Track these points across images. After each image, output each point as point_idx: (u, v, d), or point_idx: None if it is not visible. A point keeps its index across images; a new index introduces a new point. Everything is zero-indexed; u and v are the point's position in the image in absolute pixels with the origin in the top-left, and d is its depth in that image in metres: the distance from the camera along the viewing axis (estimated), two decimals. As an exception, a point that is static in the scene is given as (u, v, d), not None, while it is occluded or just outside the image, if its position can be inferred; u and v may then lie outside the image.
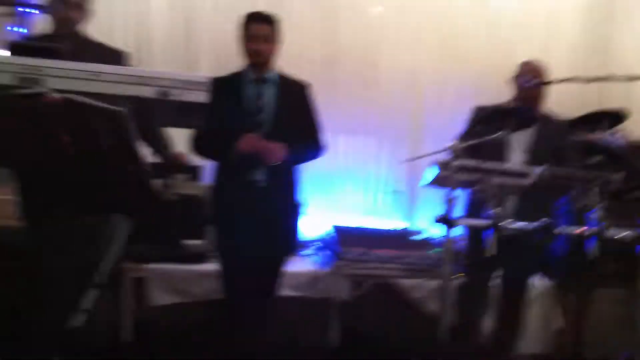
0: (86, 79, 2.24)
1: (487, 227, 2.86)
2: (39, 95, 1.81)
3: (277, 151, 3.03)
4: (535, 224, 2.86)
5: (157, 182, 2.45)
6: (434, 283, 3.92)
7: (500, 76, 3.73)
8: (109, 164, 1.93)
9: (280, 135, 3.09)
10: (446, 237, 2.85)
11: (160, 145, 2.98)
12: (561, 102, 4.35)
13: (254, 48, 3.09)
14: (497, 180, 2.90)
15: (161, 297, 3.70)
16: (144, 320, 3.73)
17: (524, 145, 3.48)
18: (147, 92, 2.25)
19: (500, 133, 2.92)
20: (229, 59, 4.07)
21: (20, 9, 3.81)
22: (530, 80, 3.38)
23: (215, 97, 3.04)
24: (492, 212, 2.84)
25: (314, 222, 4.42)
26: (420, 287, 3.98)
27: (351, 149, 4.71)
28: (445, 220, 2.82)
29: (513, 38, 4.78)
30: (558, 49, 4.85)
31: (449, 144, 2.88)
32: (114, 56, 3.01)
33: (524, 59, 3.66)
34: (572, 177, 2.96)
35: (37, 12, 3.67)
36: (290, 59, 4.39)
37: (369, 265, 3.95)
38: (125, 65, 3.01)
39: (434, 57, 4.73)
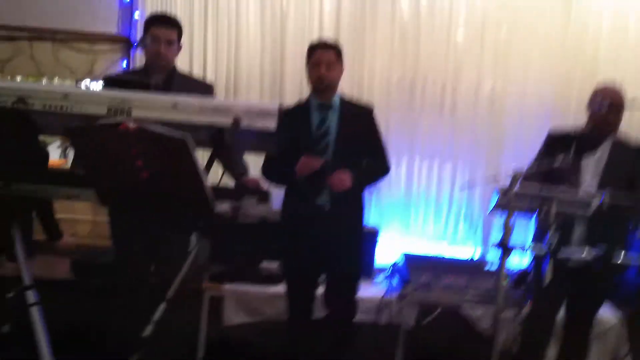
0: (166, 109, 2.47)
1: (544, 255, 2.91)
2: (117, 124, 2.05)
3: (343, 179, 3.18)
4: (593, 252, 2.88)
5: (226, 205, 2.66)
6: (504, 314, 3.95)
7: (582, 96, 3.74)
8: (175, 187, 2.14)
9: (345, 158, 3.24)
10: (501, 263, 2.92)
11: (237, 170, 3.20)
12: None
13: (319, 74, 3.27)
14: (557, 207, 2.95)
15: (235, 316, 3.91)
16: (217, 338, 3.94)
17: (595, 170, 3.45)
18: (221, 120, 2.46)
19: (560, 160, 2.95)
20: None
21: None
22: (602, 106, 3.37)
23: (282, 125, 3.26)
24: (549, 239, 2.89)
25: (389, 249, 4.55)
26: (489, 317, 4.00)
27: (429, 173, 4.79)
28: (502, 246, 2.90)
29: (598, 56, 4.73)
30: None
31: (512, 171, 2.95)
32: (200, 88, 3.30)
33: (607, 79, 3.66)
34: (635, 204, 2.97)
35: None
36: (371, 83, 4.66)
37: (437, 292, 4.01)
38: (211, 96, 3.32)
39: (514, 80, 4.75)
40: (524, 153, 3.79)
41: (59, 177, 2.55)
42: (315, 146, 3.26)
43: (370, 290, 4.07)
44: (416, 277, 4.05)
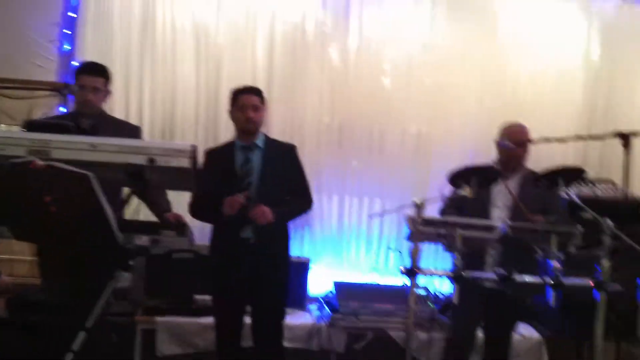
0: (85, 150, 2.63)
1: (449, 278, 3.12)
2: (27, 163, 2.21)
3: (265, 212, 3.34)
4: (491, 274, 3.10)
5: (145, 239, 2.82)
6: (425, 335, 4.14)
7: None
8: (82, 221, 2.30)
9: (269, 195, 3.42)
10: (411, 287, 3.12)
11: (160, 207, 3.36)
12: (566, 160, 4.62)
13: (247, 116, 3.46)
14: (463, 233, 3.17)
15: (168, 348, 4.01)
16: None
17: (504, 201, 3.73)
18: (137, 159, 2.62)
19: (461, 191, 3.18)
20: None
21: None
22: (507, 143, 3.67)
23: (207, 165, 3.47)
24: (455, 264, 3.10)
25: (323, 280, 4.73)
26: (417, 339, 4.18)
27: (360, 210, 4.99)
28: (409, 271, 3.10)
29: (518, 98, 5.04)
30: (566, 109, 5.10)
31: (416, 200, 3.17)
32: (127, 129, 3.49)
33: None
34: (535, 230, 3.20)
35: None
36: (303, 125, 4.87)
37: (365, 318, 4.20)
38: (137, 137, 3.49)
39: (439, 121, 5.02)
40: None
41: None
42: (240, 184, 3.43)
43: (302, 319, 4.24)
44: (345, 304, 4.25)
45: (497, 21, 5.07)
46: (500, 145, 3.80)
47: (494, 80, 5.05)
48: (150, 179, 2.77)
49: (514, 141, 3.72)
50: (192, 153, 2.72)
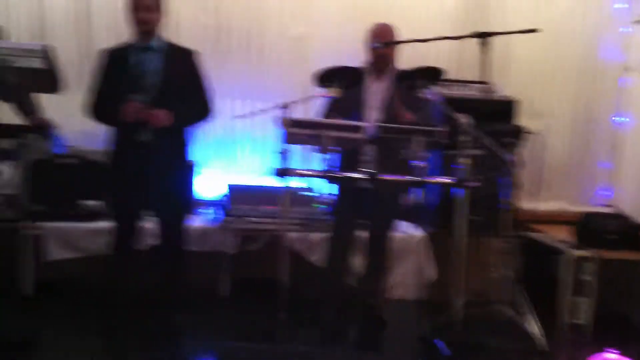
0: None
1: (319, 177, 3.21)
2: None
3: (162, 116, 3.33)
4: (358, 173, 3.19)
5: (12, 142, 2.79)
6: (316, 235, 4.29)
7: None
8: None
9: (167, 100, 3.39)
10: (284, 187, 3.20)
11: (25, 109, 3.28)
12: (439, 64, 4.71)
13: (140, 17, 3.38)
14: (332, 134, 3.24)
15: (57, 253, 4.05)
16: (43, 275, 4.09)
17: (376, 102, 3.77)
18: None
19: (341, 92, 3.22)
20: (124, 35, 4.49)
21: None
22: (376, 43, 3.70)
23: (103, 66, 3.41)
24: (326, 164, 3.19)
25: (214, 183, 4.76)
26: (304, 239, 4.32)
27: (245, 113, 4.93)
28: (280, 172, 3.18)
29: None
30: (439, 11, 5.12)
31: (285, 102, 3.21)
32: None
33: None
34: (401, 131, 3.29)
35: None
36: (182, 28, 4.75)
37: (256, 220, 4.29)
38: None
39: (318, 24, 4.99)
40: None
41: None
42: (136, 85, 3.38)
43: (193, 221, 4.28)
44: (237, 207, 4.32)
45: None
46: (369, 46, 3.82)
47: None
48: (5, 80, 2.72)
49: (380, 41, 3.72)
50: (44, 53, 2.67)
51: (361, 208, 3.84)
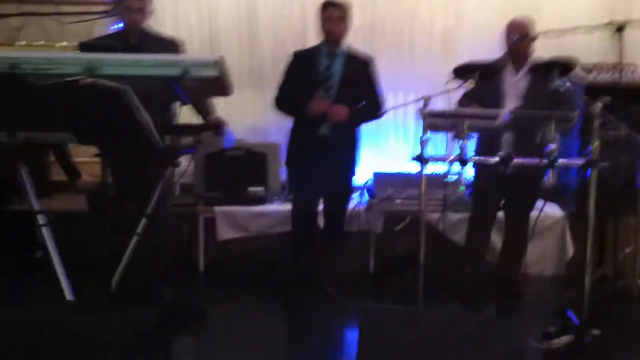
0: (130, 66, 3.12)
1: (454, 161, 3.48)
2: (77, 80, 2.73)
3: (341, 111, 3.85)
4: (495, 157, 3.42)
5: (189, 139, 3.35)
6: (457, 216, 4.55)
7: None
8: (125, 126, 2.83)
9: (346, 99, 3.91)
10: (421, 173, 3.51)
11: (203, 111, 3.83)
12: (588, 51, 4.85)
13: (328, 28, 3.92)
14: (469, 122, 3.50)
15: (227, 233, 4.64)
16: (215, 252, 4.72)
17: (515, 92, 3.99)
18: (172, 72, 3.10)
19: (462, 84, 3.48)
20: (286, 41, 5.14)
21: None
22: (513, 37, 3.90)
23: (294, 65, 4.03)
24: (461, 149, 3.45)
25: (364, 170, 5.16)
26: (446, 220, 4.60)
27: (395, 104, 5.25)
28: (420, 158, 3.49)
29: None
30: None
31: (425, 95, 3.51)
32: (170, 46, 3.92)
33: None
34: (535, 116, 3.48)
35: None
36: None
37: (399, 202, 4.64)
38: (178, 51, 3.95)
39: (466, 16, 5.21)
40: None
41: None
42: (321, 86, 3.93)
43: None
44: (382, 190, 4.70)
45: None
46: (506, 41, 4.02)
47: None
48: (186, 87, 3.25)
49: (521, 34, 3.91)
50: (220, 64, 3.17)
51: (501, 189, 4.07)
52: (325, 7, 3.96)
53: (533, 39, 3.94)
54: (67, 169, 4.58)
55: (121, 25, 3.92)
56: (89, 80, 2.73)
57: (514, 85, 3.97)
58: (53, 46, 4.72)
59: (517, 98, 3.98)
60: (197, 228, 4.63)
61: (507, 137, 3.85)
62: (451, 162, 3.47)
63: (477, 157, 3.54)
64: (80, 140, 3.16)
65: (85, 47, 3.29)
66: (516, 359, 2.64)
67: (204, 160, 4.69)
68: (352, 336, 3.43)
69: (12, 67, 3.04)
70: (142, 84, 3.04)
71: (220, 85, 3.33)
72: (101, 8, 5.04)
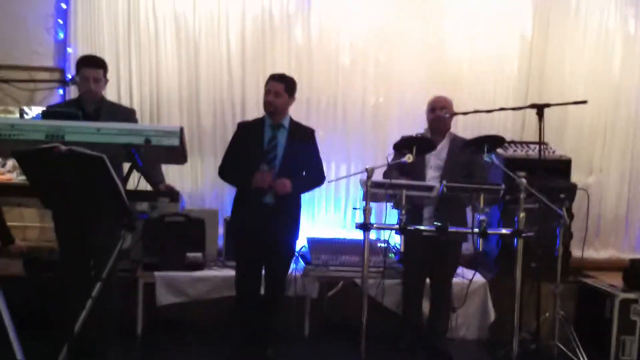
0: (92, 133, 3.22)
1: (395, 230, 3.78)
2: (52, 147, 2.82)
3: (285, 185, 4.00)
4: (430, 226, 3.76)
5: (145, 204, 3.45)
6: (389, 281, 4.80)
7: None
8: (99, 193, 2.93)
9: (289, 169, 4.09)
10: (364, 240, 3.77)
11: (155, 178, 3.94)
12: (505, 128, 5.40)
13: (265, 99, 4.10)
14: (407, 193, 3.82)
15: (166, 298, 4.69)
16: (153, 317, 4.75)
17: (436, 163, 4.39)
18: (135, 140, 3.22)
19: (402, 158, 3.81)
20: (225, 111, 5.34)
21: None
22: (439, 112, 4.35)
23: (238, 135, 4.20)
24: (400, 219, 3.75)
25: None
26: (378, 285, 4.84)
27: (328, 172, 5.50)
28: (362, 226, 3.75)
29: (463, 73, 5.62)
30: (504, 82, 5.69)
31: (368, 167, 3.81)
32: (124, 112, 4.08)
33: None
34: (465, 189, 3.85)
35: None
36: None
37: (334, 268, 4.86)
38: (133, 118, 4.09)
39: (394, 92, 5.62)
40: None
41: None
42: (266, 156, 4.07)
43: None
44: (317, 256, 4.90)
45: (441, 5, 5.61)
46: (427, 116, 4.49)
47: (437, 57, 5.59)
48: (145, 155, 3.37)
49: (441, 109, 4.41)
50: (181, 134, 3.33)
51: (427, 257, 4.39)
52: (268, 80, 4.16)
53: (452, 115, 4.38)
54: (2, 233, 4.50)
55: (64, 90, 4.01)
56: (63, 148, 2.81)
57: (434, 156, 4.36)
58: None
59: (437, 168, 4.37)
60: (137, 293, 4.64)
61: (429, 207, 4.24)
62: (396, 231, 3.77)
63: (416, 227, 3.83)
64: (44, 203, 3.20)
65: (47, 114, 3.37)
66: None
67: (143, 225, 4.75)
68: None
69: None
70: (102, 151, 3.14)
71: (178, 154, 3.48)
72: (44, 76, 5.17)
